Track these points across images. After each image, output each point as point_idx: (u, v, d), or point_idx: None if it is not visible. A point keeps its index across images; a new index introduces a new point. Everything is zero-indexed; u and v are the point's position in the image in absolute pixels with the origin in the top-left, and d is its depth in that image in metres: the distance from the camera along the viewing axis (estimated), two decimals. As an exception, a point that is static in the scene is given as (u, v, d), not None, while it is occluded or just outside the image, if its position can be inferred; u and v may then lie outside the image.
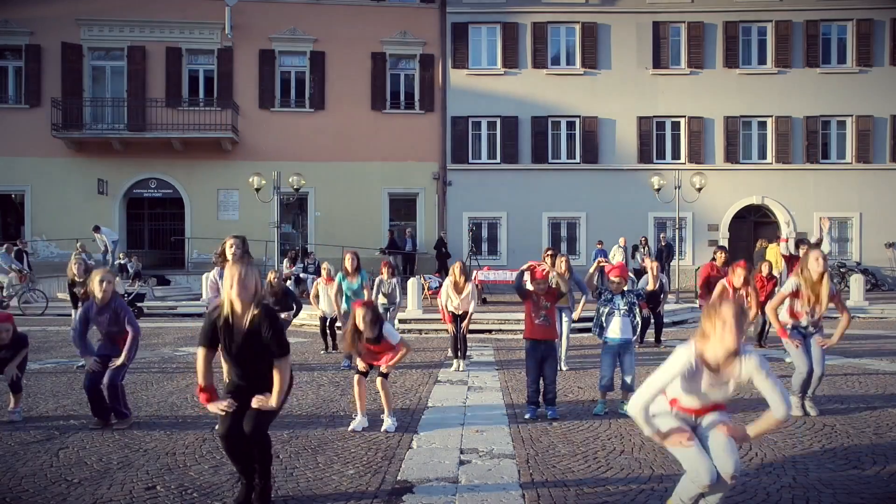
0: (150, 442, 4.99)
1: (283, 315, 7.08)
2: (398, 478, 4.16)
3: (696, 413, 3.20)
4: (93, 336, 5.71)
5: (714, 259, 9.40)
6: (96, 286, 5.47)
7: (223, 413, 3.62)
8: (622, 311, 5.97)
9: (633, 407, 3.13)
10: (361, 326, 5.26)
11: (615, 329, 5.98)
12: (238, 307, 3.62)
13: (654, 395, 3.12)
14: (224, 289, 3.69)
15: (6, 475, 4.23)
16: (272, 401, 3.59)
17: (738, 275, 7.50)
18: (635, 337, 6.14)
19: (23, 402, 5.99)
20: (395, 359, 5.43)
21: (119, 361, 5.44)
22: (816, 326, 5.78)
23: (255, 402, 3.57)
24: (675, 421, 3.18)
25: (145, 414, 5.91)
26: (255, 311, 3.61)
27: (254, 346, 3.62)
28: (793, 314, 5.76)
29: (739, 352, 3.02)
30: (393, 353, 5.43)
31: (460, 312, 8.53)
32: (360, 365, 5.51)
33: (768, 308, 5.98)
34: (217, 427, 3.87)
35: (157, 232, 22.12)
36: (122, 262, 18.44)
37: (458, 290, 8.46)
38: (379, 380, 5.43)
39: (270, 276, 8.89)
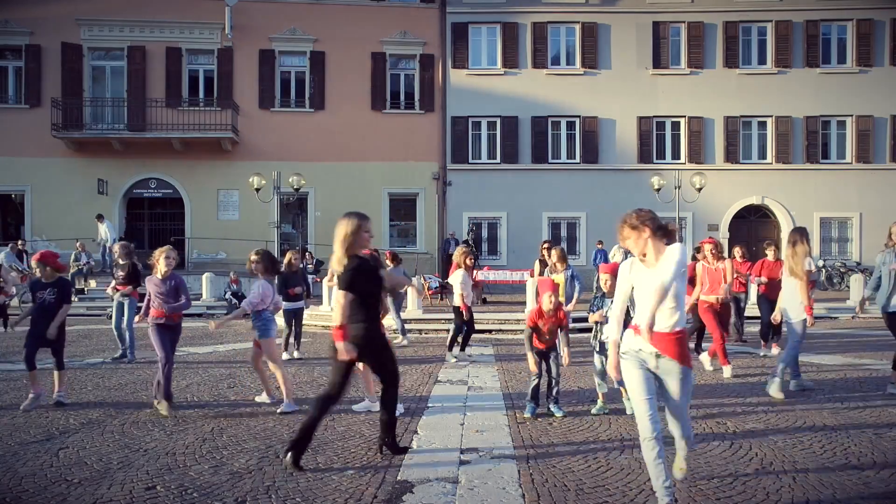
0: (150, 442, 4.99)
1: (296, 289, 9.12)
2: (398, 478, 4.16)
3: (655, 343, 3.48)
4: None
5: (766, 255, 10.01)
6: (162, 262, 5.93)
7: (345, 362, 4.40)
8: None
9: (610, 322, 3.69)
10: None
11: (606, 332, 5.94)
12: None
13: (622, 306, 3.68)
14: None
15: (6, 475, 4.23)
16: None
17: (706, 251, 8.42)
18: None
19: (40, 391, 6.23)
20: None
21: (170, 307, 5.92)
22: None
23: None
24: (629, 359, 3.59)
25: (145, 414, 5.91)
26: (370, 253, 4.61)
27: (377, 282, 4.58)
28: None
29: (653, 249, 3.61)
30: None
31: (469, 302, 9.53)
32: None
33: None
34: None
35: (157, 232, 22.08)
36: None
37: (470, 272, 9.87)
38: None
39: (289, 255, 9.52)
